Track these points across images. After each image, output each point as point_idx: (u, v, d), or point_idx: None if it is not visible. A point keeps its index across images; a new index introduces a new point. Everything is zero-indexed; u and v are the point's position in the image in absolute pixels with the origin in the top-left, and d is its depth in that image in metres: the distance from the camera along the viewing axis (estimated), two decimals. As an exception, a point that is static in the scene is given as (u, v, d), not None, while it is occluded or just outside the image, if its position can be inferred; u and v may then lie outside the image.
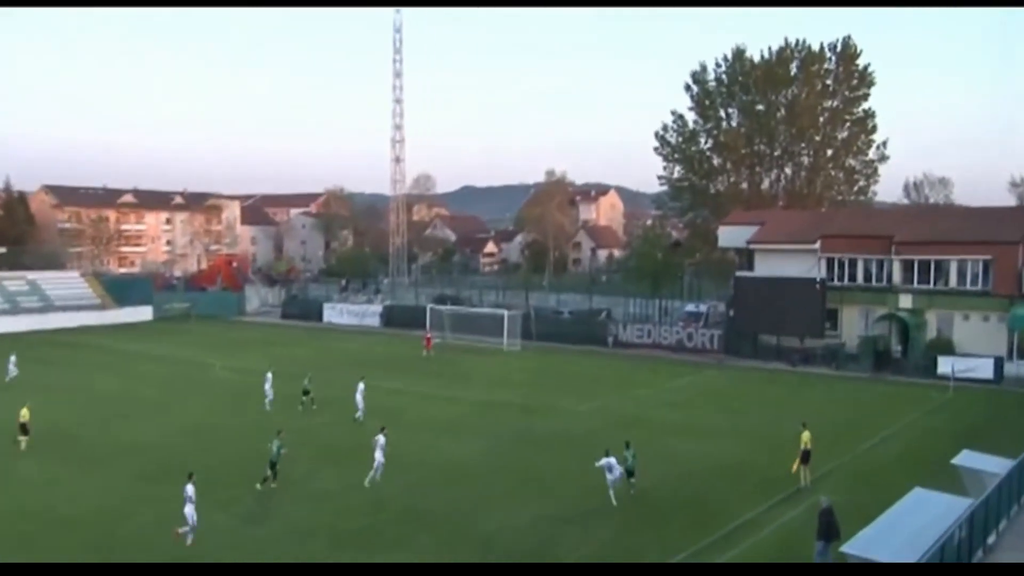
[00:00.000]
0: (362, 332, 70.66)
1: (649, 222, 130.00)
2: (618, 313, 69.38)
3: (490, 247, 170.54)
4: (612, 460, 25.44)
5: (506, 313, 61.18)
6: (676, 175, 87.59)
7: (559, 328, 64.67)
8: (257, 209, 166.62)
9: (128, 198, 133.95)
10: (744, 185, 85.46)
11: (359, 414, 35.51)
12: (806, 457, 27.46)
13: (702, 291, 77.42)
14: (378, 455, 26.34)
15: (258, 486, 25.95)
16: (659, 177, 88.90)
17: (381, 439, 26.68)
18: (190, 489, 21.84)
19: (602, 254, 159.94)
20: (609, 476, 25.20)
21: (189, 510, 21.52)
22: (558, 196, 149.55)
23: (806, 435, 27.74)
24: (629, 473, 26.03)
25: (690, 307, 68.06)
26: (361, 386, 36.46)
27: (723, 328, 59.21)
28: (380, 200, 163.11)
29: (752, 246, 60.50)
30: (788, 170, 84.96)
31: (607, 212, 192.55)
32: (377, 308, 76.34)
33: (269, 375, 39.72)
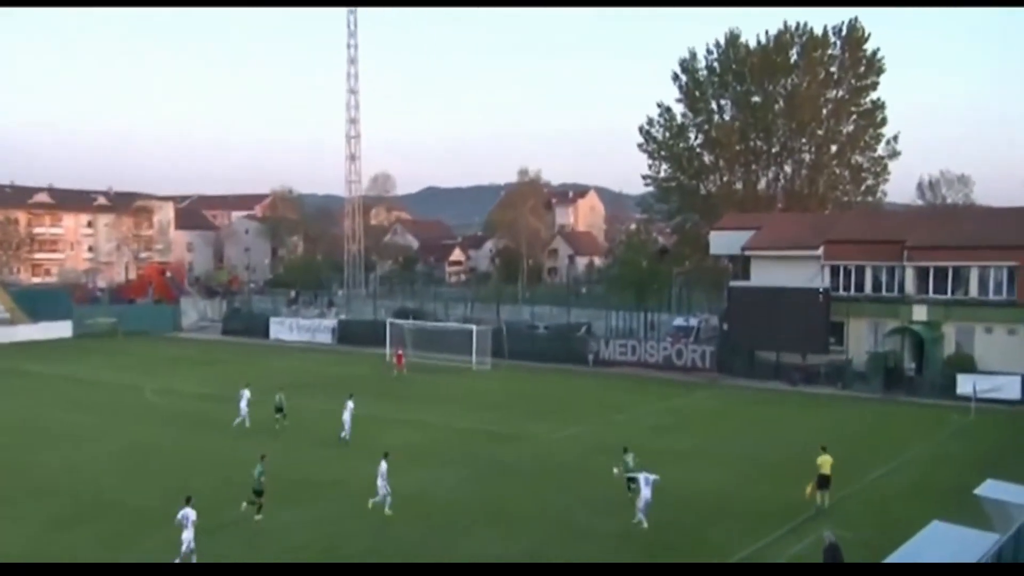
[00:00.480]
0: (313, 350, 70.42)
1: (633, 227, 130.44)
2: (599, 328, 69.67)
3: (457, 255, 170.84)
4: (651, 476, 26.12)
5: (475, 328, 61.26)
6: (663, 174, 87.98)
7: (534, 345, 64.86)
8: (194, 212, 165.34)
9: (42, 197, 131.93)
10: (738, 185, 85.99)
11: (344, 433, 36.78)
12: (824, 483, 27.71)
13: (692, 303, 77.93)
14: (381, 484, 27.09)
15: (244, 505, 26.53)
16: (644, 177, 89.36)
17: (384, 466, 27.33)
18: (191, 514, 22.24)
19: (581, 262, 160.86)
20: (646, 492, 25.81)
21: (187, 536, 21.96)
22: (532, 198, 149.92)
23: (825, 459, 27.99)
24: (631, 480, 27.66)
25: (679, 321, 68.54)
26: (350, 404, 37.62)
27: (716, 344, 59.57)
28: (334, 202, 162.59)
29: (748, 253, 60.86)
30: (787, 168, 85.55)
31: (586, 216, 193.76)
32: (330, 323, 76.17)
33: (246, 392, 40.10)
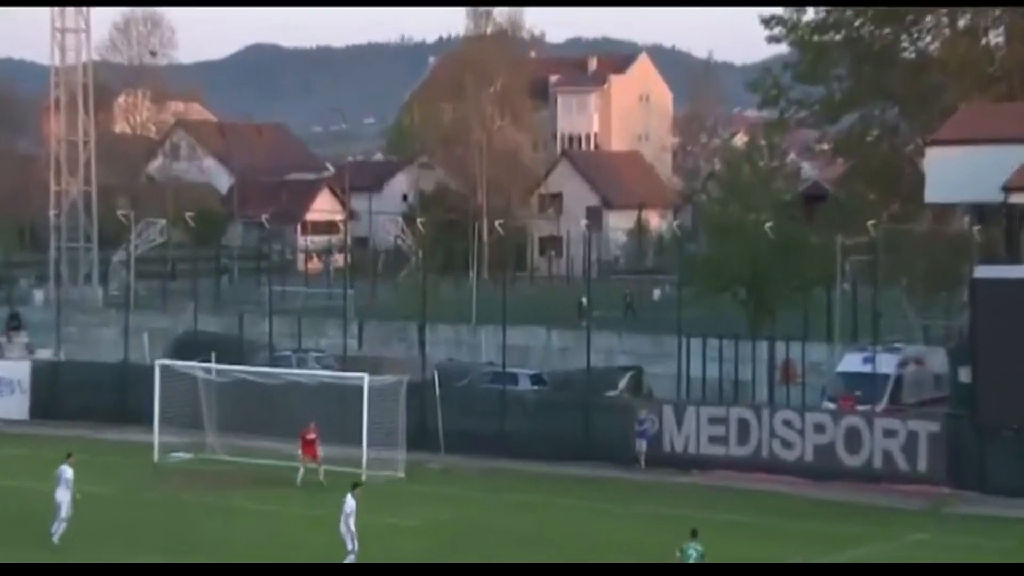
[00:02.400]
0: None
1: (741, 139, 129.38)
2: (662, 381, 71.11)
3: (323, 205, 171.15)
4: None
5: (366, 381, 61.17)
6: (811, 16, 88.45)
7: (507, 421, 65.79)
8: None
9: None
10: (995, 36, 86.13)
11: (351, 550, 44.18)
12: None
13: (883, 319, 77.35)
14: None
15: None
16: (765, 22, 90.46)
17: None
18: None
19: (617, 222, 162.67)
20: None
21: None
22: (500, 73, 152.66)
23: None
24: None
25: (852, 361, 68.93)
26: (351, 504, 44.41)
27: (942, 419, 59.64)
28: (21, 77, 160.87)
29: (1017, 199, 61.07)
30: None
31: (631, 115, 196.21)
32: (16, 369, 76.72)
33: (68, 469, 48.67)
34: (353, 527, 43.99)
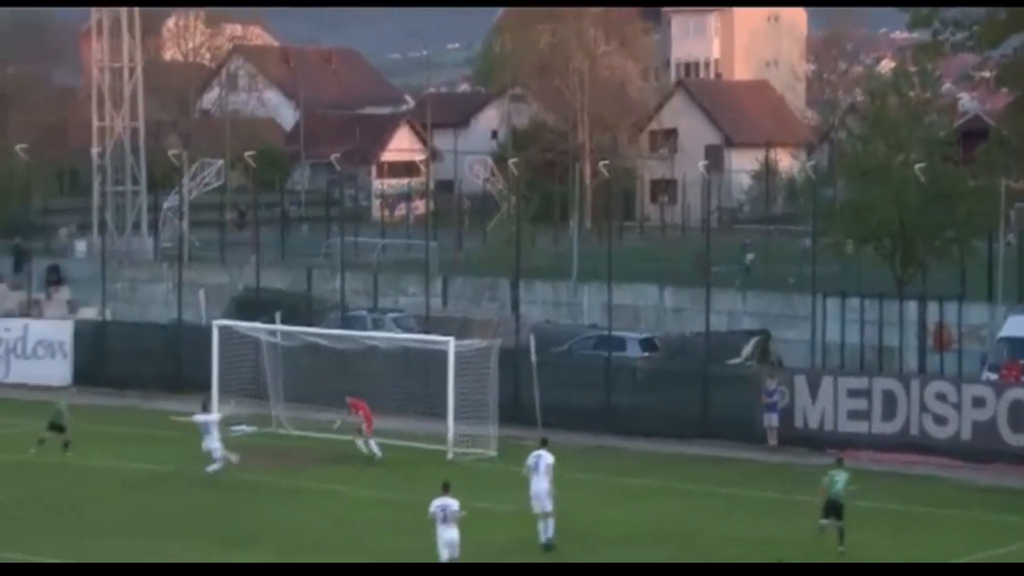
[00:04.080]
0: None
1: (886, 65, 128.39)
2: (793, 344, 71.51)
3: (401, 142, 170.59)
4: None
5: (452, 346, 61.36)
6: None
7: (614, 392, 65.76)
8: None
9: None
10: None
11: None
12: None
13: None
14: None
15: None
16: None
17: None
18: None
19: (740, 162, 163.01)
20: None
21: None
22: None
23: None
24: (833, 507, 44.10)
25: (1018, 323, 68.32)
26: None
27: None
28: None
29: None
30: None
31: (758, 37, 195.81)
32: (54, 329, 77.19)
33: (215, 416, 56.06)
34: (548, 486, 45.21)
